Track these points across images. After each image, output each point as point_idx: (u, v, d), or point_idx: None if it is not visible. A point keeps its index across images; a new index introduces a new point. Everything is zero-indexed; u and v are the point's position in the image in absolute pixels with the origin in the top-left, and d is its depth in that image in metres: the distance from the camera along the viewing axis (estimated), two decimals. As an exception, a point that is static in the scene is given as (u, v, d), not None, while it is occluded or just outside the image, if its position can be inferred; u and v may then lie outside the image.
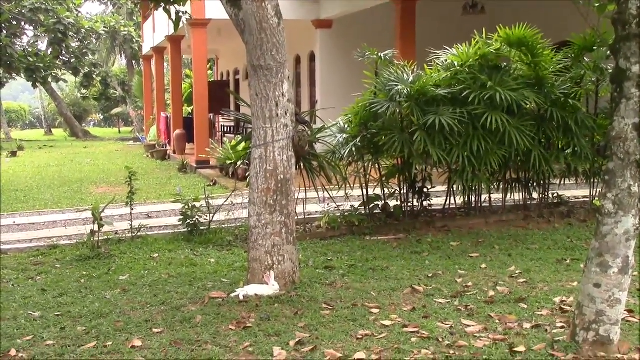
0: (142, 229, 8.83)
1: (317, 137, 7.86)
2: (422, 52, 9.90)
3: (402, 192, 9.29)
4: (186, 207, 8.74)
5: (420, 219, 9.22)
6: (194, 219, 8.70)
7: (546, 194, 9.69)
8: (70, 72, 37.98)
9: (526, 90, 8.65)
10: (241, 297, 5.93)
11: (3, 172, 18.84)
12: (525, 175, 9.55)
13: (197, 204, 8.83)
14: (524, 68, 9.13)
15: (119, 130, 49.05)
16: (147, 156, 22.37)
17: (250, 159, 6.48)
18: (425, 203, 9.41)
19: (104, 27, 39.59)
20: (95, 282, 6.86)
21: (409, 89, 8.38)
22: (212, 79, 34.55)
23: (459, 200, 9.54)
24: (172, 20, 8.04)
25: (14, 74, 33.15)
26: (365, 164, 9.09)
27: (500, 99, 8.31)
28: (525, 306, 5.59)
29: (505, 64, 9.17)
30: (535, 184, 9.63)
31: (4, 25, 30.26)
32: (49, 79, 36.10)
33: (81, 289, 6.58)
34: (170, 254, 7.99)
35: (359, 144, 8.67)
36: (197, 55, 17.39)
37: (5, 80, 35.52)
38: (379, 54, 9.18)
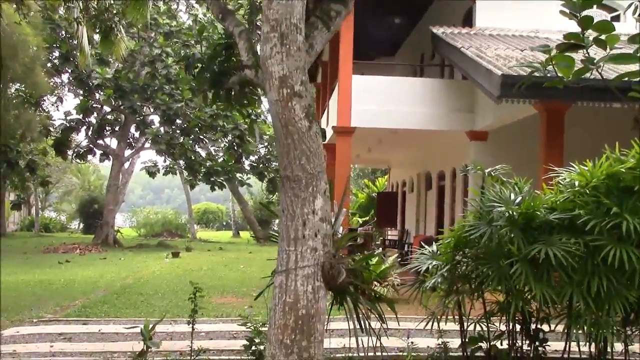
0: (201, 353, 7.92)
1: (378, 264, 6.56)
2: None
3: (510, 332, 7.71)
4: (254, 331, 7.75)
5: (532, 369, 7.57)
6: (260, 347, 7.66)
7: None
8: (257, 176, 39.06)
9: (669, 220, 6.91)
10: None
11: (151, 272, 19.01)
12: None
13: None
14: (671, 192, 7.39)
15: (306, 237, 49.24)
16: (300, 265, 21.73)
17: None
18: (540, 349, 7.75)
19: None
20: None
21: (510, 212, 6.98)
22: (383, 190, 34.04)
23: (586, 347, 7.77)
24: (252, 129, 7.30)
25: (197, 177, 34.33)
26: (461, 297, 7.65)
27: (628, 229, 6.65)
28: None
29: (643, 186, 7.47)
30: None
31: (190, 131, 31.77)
32: (235, 183, 37.32)
33: None
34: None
35: (446, 274, 7.32)
36: (341, 162, 16.71)
37: (196, 183, 36.91)
38: (486, 170, 7.88)
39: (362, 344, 7.24)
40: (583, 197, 7.15)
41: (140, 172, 35.61)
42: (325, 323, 5.38)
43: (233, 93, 7.06)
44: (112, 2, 11.51)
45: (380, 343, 7.15)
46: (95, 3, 11.80)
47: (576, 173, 7.43)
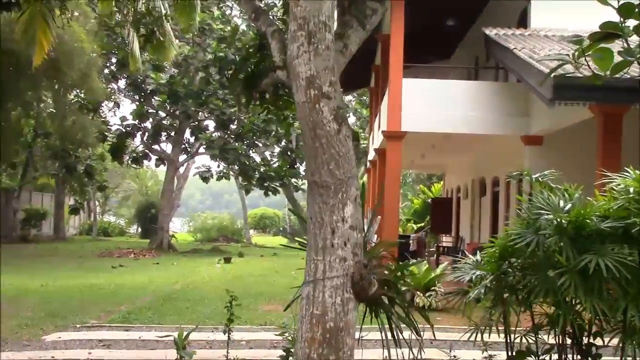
0: (237, 363, 7.72)
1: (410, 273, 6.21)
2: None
3: (560, 346, 7.28)
4: (292, 341, 7.52)
5: (583, 388, 7.12)
6: (297, 358, 7.41)
7: None
8: (308, 181, 38.85)
9: None
10: None
11: (201, 278, 18.98)
12: None
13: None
14: None
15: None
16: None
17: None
18: (593, 365, 7.30)
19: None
20: None
21: (558, 220, 6.58)
22: (438, 196, 33.56)
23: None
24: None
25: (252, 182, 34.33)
26: (507, 308, 7.26)
27: (686, 239, 6.20)
28: None
29: None
30: None
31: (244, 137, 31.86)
32: (290, 188, 37.23)
33: None
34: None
35: (489, 285, 6.95)
36: (391, 167, 16.38)
37: (251, 188, 36.93)
38: (532, 176, 7.49)
39: (403, 356, 6.95)
40: (638, 204, 6.72)
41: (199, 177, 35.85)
42: (356, 336, 5.10)
43: (267, 95, 6.86)
44: (154, 5, 11.45)
45: (420, 356, 6.84)
46: (141, 5, 11.74)
47: (631, 179, 6.99)
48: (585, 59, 2.78)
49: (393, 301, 5.52)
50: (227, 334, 7.71)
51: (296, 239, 6.60)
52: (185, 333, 7.29)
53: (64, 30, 17.46)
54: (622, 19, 2.79)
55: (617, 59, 2.98)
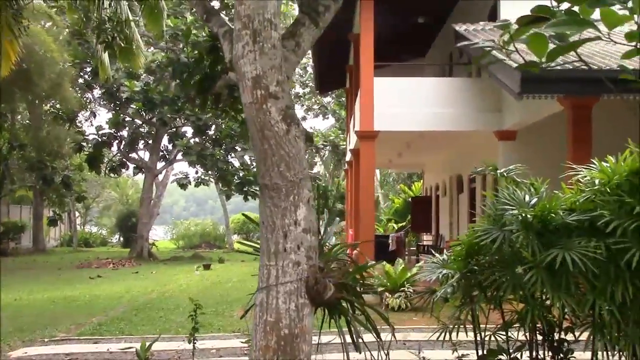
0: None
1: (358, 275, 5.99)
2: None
3: (531, 343, 7.16)
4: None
5: (556, 384, 7.00)
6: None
7: None
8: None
9: (698, 220, 6.31)
10: None
11: (178, 286, 18.76)
12: None
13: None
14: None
15: (345, 243, 49.02)
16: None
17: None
18: (565, 361, 7.18)
19: (324, 141, 40.30)
20: None
21: (524, 215, 6.46)
22: (418, 195, 33.51)
23: (616, 357, 7.18)
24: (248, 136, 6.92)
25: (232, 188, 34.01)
26: (475, 307, 7.13)
27: (652, 230, 6.08)
28: None
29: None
30: None
31: (223, 142, 31.62)
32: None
33: None
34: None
35: (455, 283, 6.82)
36: (365, 167, 16.26)
37: (231, 193, 36.65)
38: (498, 171, 7.38)
39: (372, 358, 6.80)
40: (604, 197, 6.60)
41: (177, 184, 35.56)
42: (312, 343, 4.94)
43: (223, 98, 6.70)
44: (119, 11, 11.25)
45: (388, 358, 6.70)
46: (104, 12, 11.53)
47: (597, 170, 6.88)
48: (514, 45, 2.65)
49: (352, 304, 5.38)
50: (192, 344, 7.54)
51: (249, 243, 6.38)
52: (148, 344, 7.12)
53: (32, 39, 17.20)
54: (555, 4, 2.66)
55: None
